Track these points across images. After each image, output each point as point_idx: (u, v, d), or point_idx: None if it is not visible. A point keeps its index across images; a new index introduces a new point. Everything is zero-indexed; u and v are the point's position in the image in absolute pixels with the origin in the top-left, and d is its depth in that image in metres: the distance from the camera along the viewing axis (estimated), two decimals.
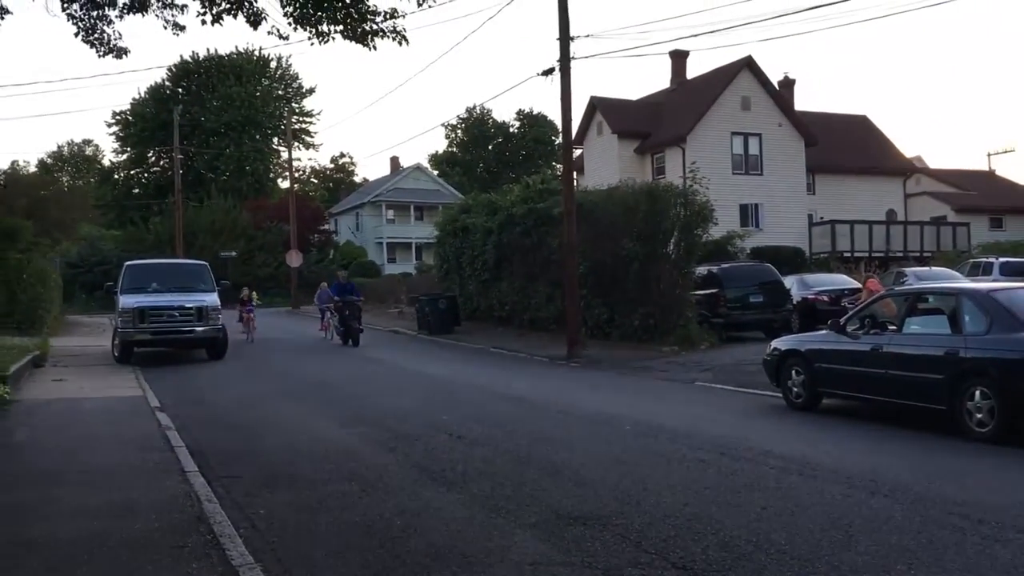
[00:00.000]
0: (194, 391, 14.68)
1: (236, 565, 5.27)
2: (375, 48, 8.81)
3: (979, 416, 8.90)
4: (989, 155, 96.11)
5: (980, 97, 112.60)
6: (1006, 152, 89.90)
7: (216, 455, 8.94)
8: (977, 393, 8.94)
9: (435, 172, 76.51)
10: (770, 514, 6.25)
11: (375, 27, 8.78)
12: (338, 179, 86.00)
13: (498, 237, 26.19)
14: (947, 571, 4.95)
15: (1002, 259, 25.88)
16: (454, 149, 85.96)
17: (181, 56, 68.59)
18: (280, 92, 72.39)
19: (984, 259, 26.73)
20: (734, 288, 21.41)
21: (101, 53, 11.30)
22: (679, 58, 42.45)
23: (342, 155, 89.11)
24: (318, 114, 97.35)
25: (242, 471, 8.15)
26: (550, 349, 20.43)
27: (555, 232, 22.70)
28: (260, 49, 70.52)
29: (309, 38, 8.76)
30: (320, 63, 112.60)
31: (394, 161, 73.20)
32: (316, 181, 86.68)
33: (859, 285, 22.58)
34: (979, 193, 47.81)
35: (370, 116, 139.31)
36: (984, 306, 9.37)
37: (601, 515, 6.29)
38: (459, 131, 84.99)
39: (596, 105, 41.74)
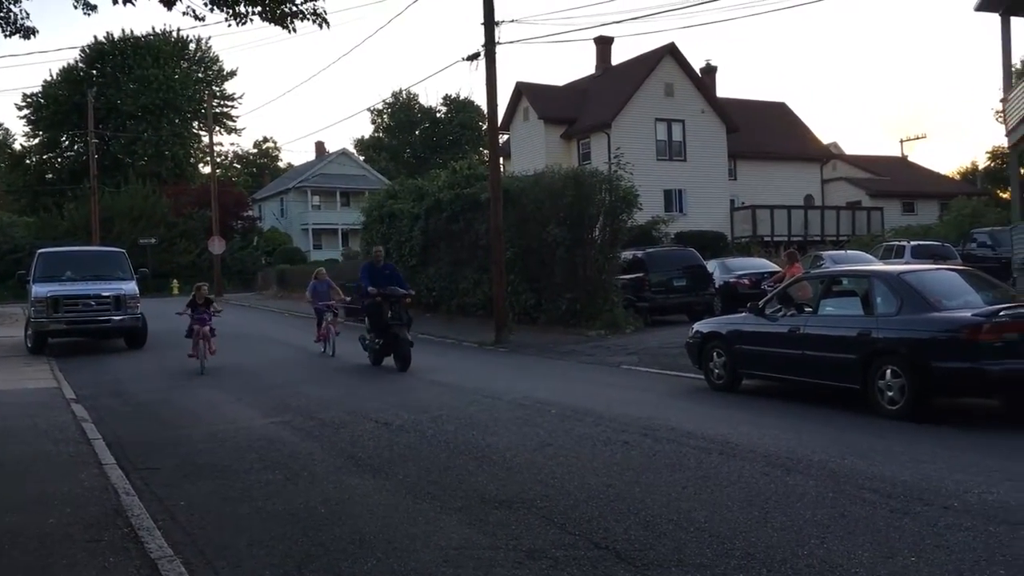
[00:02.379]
0: (112, 382, 14.30)
1: (155, 558, 5.17)
2: (295, 30, 8.66)
3: (890, 394, 9.22)
4: (902, 141, 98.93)
5: (893, 85, 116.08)
6: (918, 139, 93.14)
7: (134, 447, 8.75)
8: (888, 372, 9.25)
9: (361, 157, 75.70)
10: (691, 493, 6.38)
11: (294, 8, 8.63)
12: (262, 164, 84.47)
13: (425, 223, 26.08)
14: (857, 543, 5.13)
15: (913, 242, 26.82)
16: (380, 134, 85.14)
17: (95, 37, 66.35)
18: (200, 75, 70.64)
19: (897, 242, 27.64)
20: (658, 272, 21.72)
21: (7, 33, 10.88)
22: (604, 44, 42.76)
23: (266, 140, 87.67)
24: (240, 97, 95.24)
25: (161, 462, 7.99)
26: (478, 334, 20.45)
27: (482, 217, 22.69)
28: (178, 31, 68.76)
29: (226, 19, 8.55)
30: (242, 46, 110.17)
31: (319, 146, 72.21)
32: (239, 166, 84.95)
33: (779, 268, 23.14)
34: (892, 179, 49.38)
35: (294, 100, 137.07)
36: (895, 288, 9.69)
37: (526, 498, 6.34)
38: (385, 116, 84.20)
39: (522, 90, 41.80)
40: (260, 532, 5.77)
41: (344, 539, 5.55)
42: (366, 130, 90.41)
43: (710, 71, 44.51)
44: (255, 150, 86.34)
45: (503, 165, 38.20)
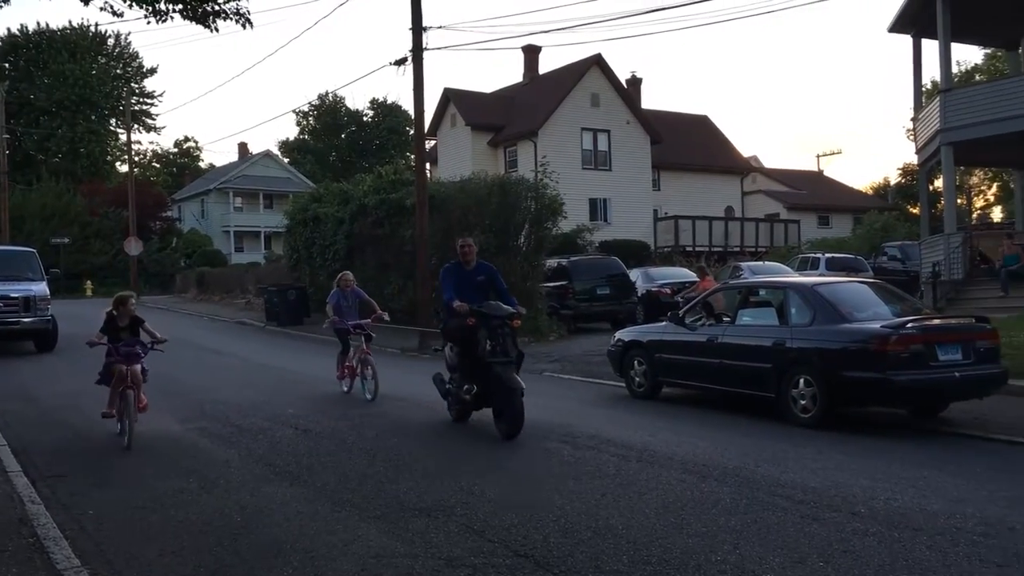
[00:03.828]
0: (18, 386, 13.78)
1: (61, 568, 5.02)
2: (217, 30, 8.49)
3: (803, 403, 9.49)
4: (818, 157, 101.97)
5: (811, 102, 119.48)
6: (833, 154, 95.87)
7: (41, 454, 8.45)
8: (801, 381, 9.52)
9: (286, 159, 74.54)
10: (609, 500, 6.45)
11: (216, 7, 8.47)
12: (182, 164, 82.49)
13: (350, 227, 25.83)
14: (769, 548, 5.26)
15: (828, 255, 27.67)
16: (306, 136, 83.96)
17: (8, 29, 64.16)
18: (119, 71, 68.71)
19: (812, 254, 28.48)
20: (582, 280, 21.94)
21: None
22: (531, 53, 43.03)
23: (187, 139, 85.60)
24: (160, 95, 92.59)
25: (69, 470, 7.74)
26: (402, 340, 20.33)
27: (408, 223, 22.59)
28: (96, 25, 66.76)
29: (145, 16, 8.35)
30: (164, 43, 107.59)
31: (242, 147, 70.98)
32: (158, 166, 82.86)
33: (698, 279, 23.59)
34: (809, 192, 50.89)
35: (217, 100, 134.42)
36: (808, 299, 9.97)
37: (446, 506, 6.33)
38: (311, 118, 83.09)
39: (450, 97, 41.77)
40: (172, 541, 5.64)
41: (260, 548, 5.46)
42: (291, 132, 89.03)
43: (635, 83, 45.18)
44: (176, 150, 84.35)
45: (430, 171, 38.14)
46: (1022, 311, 15.85)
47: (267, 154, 69.69)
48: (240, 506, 6.44)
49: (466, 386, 9.38)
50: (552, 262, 22.40)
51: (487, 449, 8.47)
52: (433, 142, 42.54)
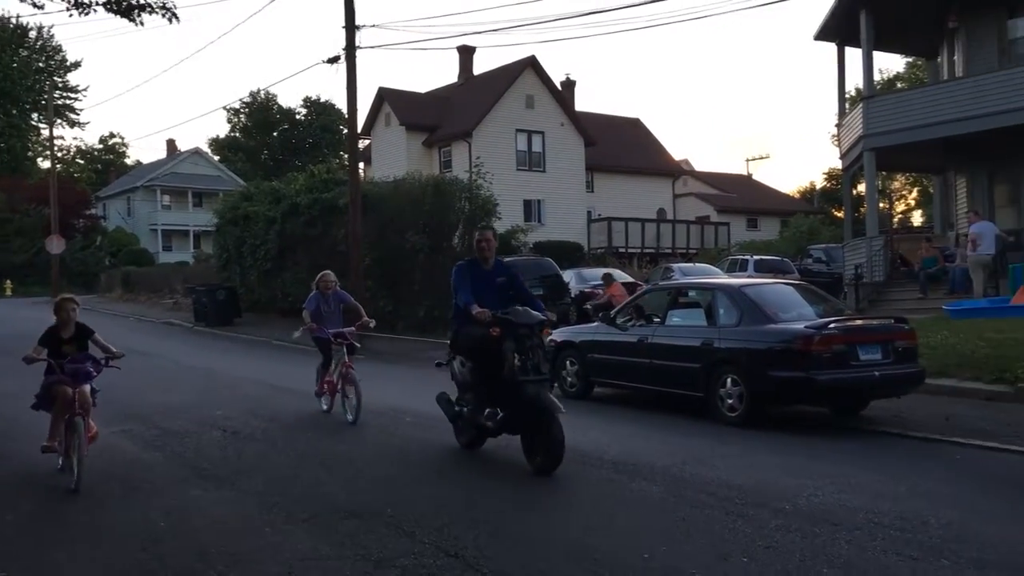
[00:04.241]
0: None
1: None
2: (142, 23, 8.36)
3: (730, 401, 9.67)
4: (747, 161, 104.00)
5: (740, 106, 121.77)
6: (762, 159, 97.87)
7: None
8: (729, 380, 9.70)
9: (216, 157, 73.22)
10: (540, 501, 6.50)
11: (141, 1, 8.29)
12: (108, 161, 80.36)
13: (282, 226, 25.51)
14: (696, 546, 5.36)
15: (756, 257, 28.22)
16: (237, 134, 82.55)
17: None
18: (41, 64, 66.66)
19: (741, 256, 29.01)
20: None
21: None
22: (466, 53, 43.04)
23: (112, 135, 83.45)
24: (85, 90, 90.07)
25: None
26: None
27: (341, 223, 22.42)
28: (17, 17, 64.71)
29: (68, 8, 8.15)
30: (88, 36, 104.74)
31: (171, 144, 69.43)
32: (82, 162, 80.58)
33: (631, 279, 23.87)
34: (738, 196, 51.86)
35: (145, 96, 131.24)
36: (736, 300, 10.17)
37: (377, 508, 6.29)
38: (242, 116, 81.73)
39: (384, 96, 41.51)
40: (90, 548, 5.50)
41: (184, 553, 5.35)
42: (222, 129, 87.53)
43: (569, 85, 45.49)
44: (101, 146, 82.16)
45: (364, 170, 37.87)
46: (939, 312, 16.40)
47: (196, 151, 68.38)
48: (165, 510, 6.31)
49: (488, 410, 7.71)
50: None
51: (420, 451, 8.44)
52: (367, 141, 42.24)
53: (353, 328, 10.54)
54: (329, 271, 11.20)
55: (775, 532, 5.59)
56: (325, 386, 10.65)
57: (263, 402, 11.68)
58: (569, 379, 12.04)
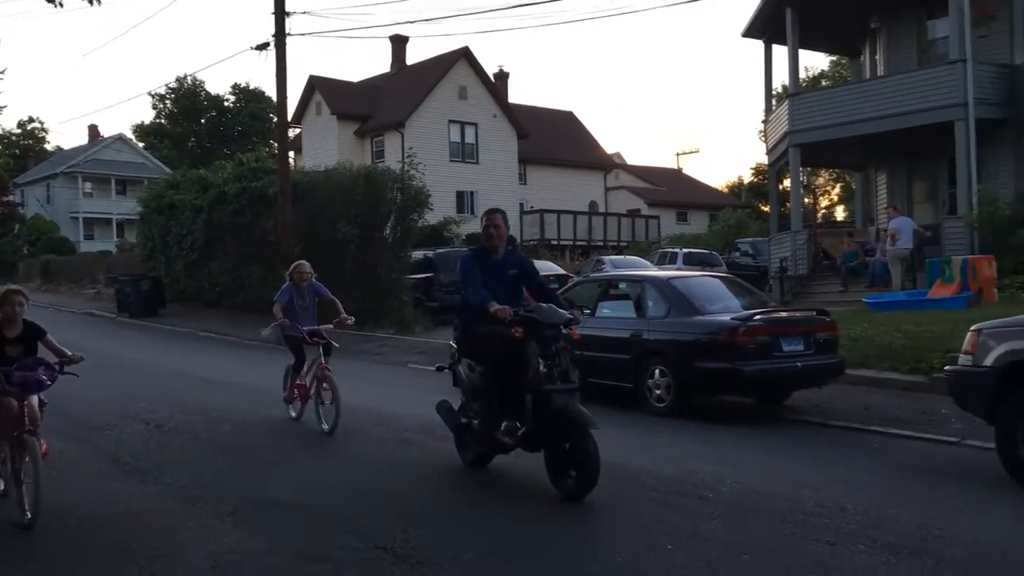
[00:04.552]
0: None
1: None
2: (61, 5, 8.08)
3: (658, 392, 9.83)
4: (678, 155, 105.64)
5: (671, 101, 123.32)
6: (692, 153, 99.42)
7: None
8: (657, 371, 9.86)
9: (140, 144, 71.27)
10: (469, 493, 6.53)
11: None
12: (26, 146, 77.62)
13: (209, 216, 24.97)
14: (623, 535, 5.44)
15: (686, 250, 28.67)
16: (162, 121, 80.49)
17: None
18: None
19: (671, 249, 29.44)
20: (448, 273, 21.93)
21: None
22: (399, 43, 42.73)
23: (31, 120, 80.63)
24: (2, 72, 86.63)
25: None
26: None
27: (270, 212, 22.08)
28: None
29: None
30: (5, 17, 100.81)
31: (93, 129, 67.37)
32: None
33: (563, 271, 24.05)
34: (668, 189, 52.56)
35: (66, 80, 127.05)
36: (664, 293, 10.32)
37: (303, 499, 6.24)
38: (168, 102, 79.72)
39: (316, 84, 41.00)
40: (5, 546, 5.33)
41: (105, 548, 5.24)
42: (147, 116, 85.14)
43: (503, 77, 45.50)
44: (19, 131, 79.32)
45: (294, 160, 37.31)
46: (859, 305, 16.87)
47: (120, 137, 66.46)
48: (86, 505, 6.16)
49: (505, 424, 6.60)
50: (418, 254, 22.35)
51: (345, 441, 8.38)
52: (298, 130, 41.66)
53: (330, 326, 9.34)
54: (304, 261, 9.99)
55: (699, 520, 5.70)
56: (296, 391, 9.40)
57: (188, 395, 11.45)
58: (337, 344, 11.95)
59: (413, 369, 14.50)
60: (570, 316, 6.66)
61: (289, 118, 25.29)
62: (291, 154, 33.56)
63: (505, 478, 6.87)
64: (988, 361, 6.71)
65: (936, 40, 22.17)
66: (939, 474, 7.21)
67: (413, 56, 44.37)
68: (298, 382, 9.39)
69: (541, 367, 6.33)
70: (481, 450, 7.08)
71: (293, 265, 9.86)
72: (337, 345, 9.66)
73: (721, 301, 10.34)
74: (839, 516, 5.78)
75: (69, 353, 6.16)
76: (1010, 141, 20.10)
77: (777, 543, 5.23)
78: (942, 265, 16.69)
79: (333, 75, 45.19)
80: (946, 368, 7.81)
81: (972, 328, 7.07)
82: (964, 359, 7.00)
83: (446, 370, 7.55)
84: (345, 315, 9.50)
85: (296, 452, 7.94)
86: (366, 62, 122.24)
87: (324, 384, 8.91)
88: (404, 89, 40.23)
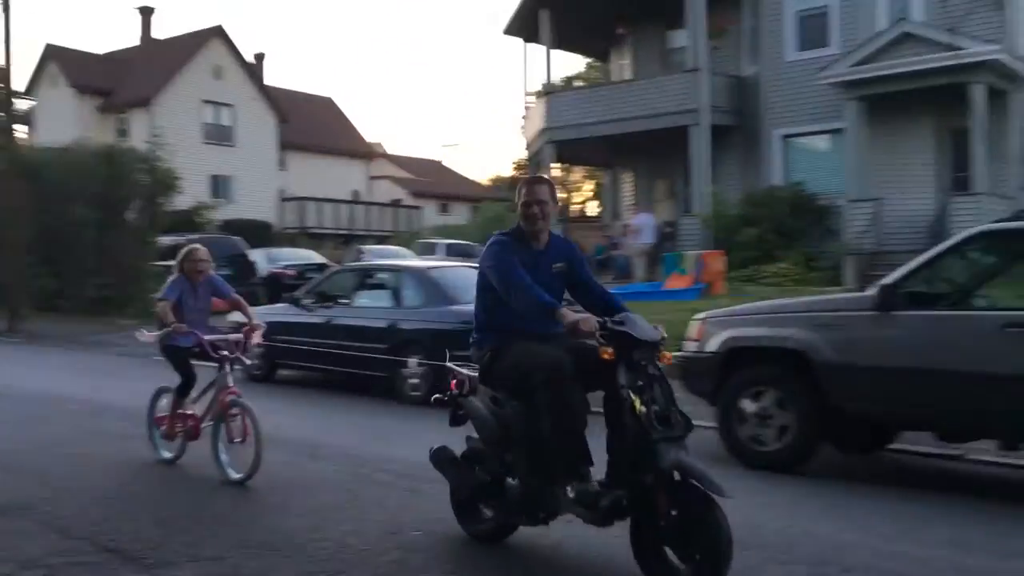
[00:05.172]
0: None
1: None
2: None
3: (413, 381, 9.95)
4: (443, 147, 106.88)
5: (435, 92, 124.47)
6: (455, 145, 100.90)
7: None
8: (414, 361, 9.97)
9: None
10: (215, 487, 6.29)
11: None
12: None
13: None
14: (370, 521, 5.48)
15: (448, 241, 29.14)
16: None
17: None
18: None
19: (433, 240, 29.81)
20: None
21: None
22: (147, 15, 40.22)
23: None
24: None
25: None
26: None
27: None
28: None
29: None
30: None
31: None
32: None
33: (325, 260, 23.70)
34: (431, 180, 53.11)
35: None
36: (421, 282, 10.48)
37: (26, 504, 5.77)
38: None
39: (51, 54, 37.78)
40: None
41: None
42: None
43: (260, 58, 44.05)
44: None
45: (27, 135, 34.10)
46: None
47: None
48: None
49: (594, 487, 4.48)
50: (168, 240, 21.17)
51: (82, 441, 7.84)
52: (33, 103, 38.12)
53: (240, 335, 6.94)
54: (200, 246, 7.26)
55: (445, 505, 5.84)
56: (177, 424, 6.96)
57: None
58: (253, 361, 11.72)
59: (158, 361, 13.60)
60: (663, 334, 4.51)
61: (21, 89, 23.12)
62: (26, 129, 30.77)
63: (260, 476, 6.70)
64: (712, 347, 7.34)
65: (675, 49, 23.92)
66: None
67: (165, 32, 41.97)
68: (180, 411, 7.00)
69: (638, 405, 4.26)
70: (515, 521, 4.96)
71: (185, 251, 7.12)
72: (249, 362, 8.19)
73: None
74: None
75: None
76: (738, 146, 22.09)
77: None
78: (677, 259, 18.07)
79: (74, 45, 41.73)
80: (675, 354, 8.47)
81: (696, 317, 7.72)
82: (691, 345, 7.63)
83: (445, 403, 5.46)
84: (257, 322, 7.03)
85: (21, 452, 7.30)
86: (115, 35, 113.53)
87: (233, 416, 6.49)
88: (153, 64, 37.91)
